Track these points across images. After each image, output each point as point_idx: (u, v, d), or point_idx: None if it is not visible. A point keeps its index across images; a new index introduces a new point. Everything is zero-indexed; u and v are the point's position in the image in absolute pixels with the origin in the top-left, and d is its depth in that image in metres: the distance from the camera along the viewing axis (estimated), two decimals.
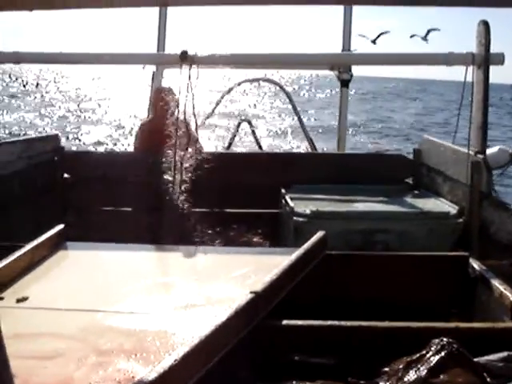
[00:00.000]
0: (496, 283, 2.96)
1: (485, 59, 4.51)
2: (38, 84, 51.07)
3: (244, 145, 12.15)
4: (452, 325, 2.47)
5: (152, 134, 5.46)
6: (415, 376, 1.99)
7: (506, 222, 4.03)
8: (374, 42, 7.28)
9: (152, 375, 1.76)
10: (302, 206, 4.48)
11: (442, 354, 2.01)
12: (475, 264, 3.21)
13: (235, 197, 5.06)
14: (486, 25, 4.47)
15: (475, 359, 2.07)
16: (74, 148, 14.09)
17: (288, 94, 7.63)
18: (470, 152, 4.47)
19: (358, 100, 41.03)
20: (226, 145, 7.56)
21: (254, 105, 40.75)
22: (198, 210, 4.65)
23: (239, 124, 7.45)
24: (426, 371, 1.98)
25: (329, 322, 2.44)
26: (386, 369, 2.16)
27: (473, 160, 4.40)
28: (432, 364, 1.99)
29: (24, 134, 19.73)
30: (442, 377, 1.95)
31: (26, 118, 29.79)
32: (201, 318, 2.38)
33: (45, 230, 3.35)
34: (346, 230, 4.23)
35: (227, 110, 24.24)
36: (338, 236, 3.95)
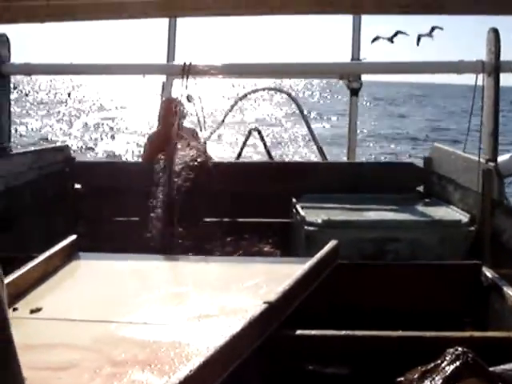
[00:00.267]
0: (509, 291, 2.95)
1: (495, 67, 4.50)
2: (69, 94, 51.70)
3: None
4: (466, 334, 2.46)
5: (160, 145, 5.48)
6: None
7: None
8: (391, 40, 7.20)
9: None
10: (313, 215, 4.48)
11: (457, 363, 2.00)
12: (488, 272, 3.20)
13: (246, 206, 5.05)
14: (495, 32, 4.47)
15: (490, 368, 2.05)
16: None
17: (297, 103, 7.62)
18: (481, 160, 4.46)
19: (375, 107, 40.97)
20: (236, 154, 7.55)
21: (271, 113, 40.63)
22: (208, 219, 4.66)
23: (249, 133, 7.44)
24: (441, 381, 1.97)
25: (342, 332, 2.44)
26: (401, 378, 2.14)
27: (484, 168, 4.39)
28: (447, 374, 1.98)
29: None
30: None
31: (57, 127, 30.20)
32: (214, 329, 2.38)
33: (56, 240, 3.36)
34: (358, 239, 4.21)
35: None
36: (349, 245, 3.94)
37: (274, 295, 2.48)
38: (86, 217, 5.25)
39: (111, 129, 31.18)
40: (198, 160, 4.71)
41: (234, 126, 22.74)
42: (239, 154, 7.37)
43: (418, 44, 7.40)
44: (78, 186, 5.56)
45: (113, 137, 27.96)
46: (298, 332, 2.46)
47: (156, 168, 5.05)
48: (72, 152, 5.92)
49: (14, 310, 2.66)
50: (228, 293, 2.87)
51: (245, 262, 3.42)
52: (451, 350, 2.05)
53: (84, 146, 24.47)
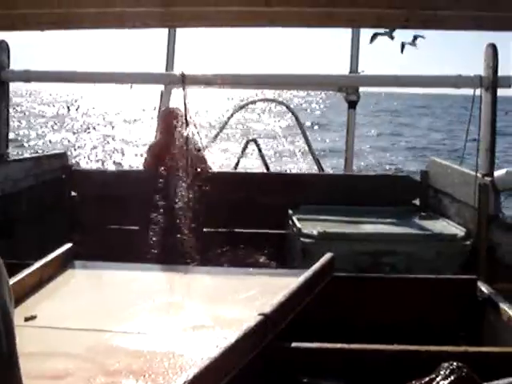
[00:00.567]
0: (505, 307, 2.95)
1: (492, 82, 4.53)
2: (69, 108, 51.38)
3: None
4: (461, 349, 2.46)
5: (160, 155, 5.48)
6: None
7: None
8: (391, 36, 7.10)
9: None
10: (310, 226, 4.48)
11: (452, 377, 2.00)
12: (483, 287, 3.20)
13: (242, 217, 5.05)
14: (493, 48, 4.50)
15: None
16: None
17: (295, 115, 7.63)
18: (478, 174, 4.47)
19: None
20: (233, 165, 7.54)
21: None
22: (205, 229, 4.65)
23: (247, 144, 7.45)
24: None
25: (338, 345, 2.44)
26: None
27: (480, 182, 4.40)
28: None
29: None
30: None
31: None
32: (209, 340, 2.38)
33: (52, 247, 3.35)
34: (354, 252, 4.21)
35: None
36: (345, 257, 3.94)
37: (269, 307, 2.47)
38: (82, 224, 5.24)
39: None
40: (197, 170, 4.73)
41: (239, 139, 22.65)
42: (237, 164, 7.37)
43: (402, 51, 7.43)
44: (74, 193, 5.56)
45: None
46: (294, 344, 2.46)
47: (155, 177, 5.06)
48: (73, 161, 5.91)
49: None
50: (223, 304, 2.87)
51: (241, 274, 3.41)
52: (446, 365, 2.05)
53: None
